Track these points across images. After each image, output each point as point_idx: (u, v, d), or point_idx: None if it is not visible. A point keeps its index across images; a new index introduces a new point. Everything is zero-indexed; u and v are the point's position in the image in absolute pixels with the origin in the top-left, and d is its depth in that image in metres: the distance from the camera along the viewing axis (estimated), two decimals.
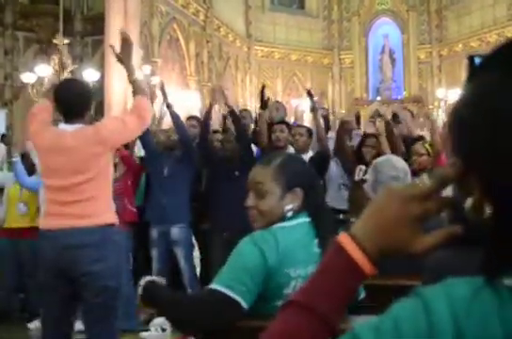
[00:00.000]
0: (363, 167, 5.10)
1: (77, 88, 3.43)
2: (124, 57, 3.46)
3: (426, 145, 5.38)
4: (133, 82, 3.52)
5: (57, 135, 3.34)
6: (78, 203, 3.21)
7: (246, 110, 8.05)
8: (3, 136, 6.82)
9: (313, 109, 6.08)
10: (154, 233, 5.62)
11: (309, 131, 5.86)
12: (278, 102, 7.89)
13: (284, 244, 1.97)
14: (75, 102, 3.36)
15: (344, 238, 0.88)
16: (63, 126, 3.37)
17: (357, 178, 5.14)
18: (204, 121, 5.90)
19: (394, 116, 6.18)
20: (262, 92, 6.19)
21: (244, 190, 2.06)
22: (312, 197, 2.10)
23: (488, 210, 0.75)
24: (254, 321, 1.93)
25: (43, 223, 3.33)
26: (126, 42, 3.45)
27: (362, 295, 2.11)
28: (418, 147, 5.32)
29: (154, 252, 5.61)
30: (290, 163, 2.12)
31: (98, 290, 3.19)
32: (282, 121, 6.14)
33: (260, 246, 1.96)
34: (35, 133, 3.40)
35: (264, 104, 6.04)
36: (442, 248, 0.84)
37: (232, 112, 5.74)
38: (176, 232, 5.54)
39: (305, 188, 2.08)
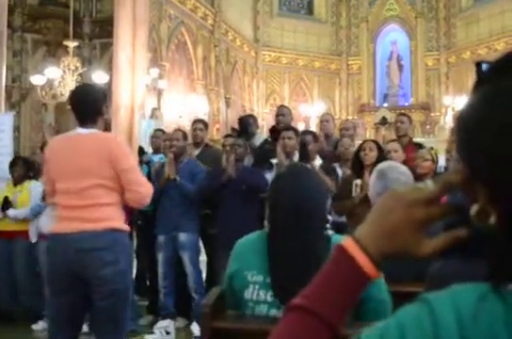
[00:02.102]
0: (359, 181, 5.01)
1: (89, 93, 3.47)
2: None
3: (432, 151, 5.37)
4: None
5: (72, 137, 3.41)
6: (88, 208, 3.22)
7: (251, 116, 8.03)
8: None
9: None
10: (161, 237, 5.61)
11: (314, 137, 5.82)
12: (283, 106, 7.85)
13: (240, 244, 2.18)
14: (87, 107, 3.40)
15: (348, 242, 0.88)
16: (79, 130, 3.41)
17: (354, 194, 5.05)
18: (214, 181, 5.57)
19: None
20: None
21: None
22: (268, 209, 2.18)
23: (493, 217, 0.75)
24: (258, 324, 1.94)
25: (55, 227, 3.35)
26: None
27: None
28: (424, 152, 5.32)
29: (160, 256, 5.60)
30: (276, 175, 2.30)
31: (107, 293, 3.20)
32: (290, 128, 6.07)
33: None
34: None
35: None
36: (446, 252, 0.84)
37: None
38: (183, 236, 5.53)
39: (268, 201, 2.20)
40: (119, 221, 3.32)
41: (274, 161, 5.69)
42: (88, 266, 3.17)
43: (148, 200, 3.46)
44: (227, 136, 6.99)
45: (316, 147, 5.75)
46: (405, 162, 5.42)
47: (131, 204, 3.53)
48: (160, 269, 5.61)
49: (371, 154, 5.09)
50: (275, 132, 6.53)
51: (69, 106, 3.54)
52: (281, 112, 6.92)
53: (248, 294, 2.04)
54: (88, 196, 3.23)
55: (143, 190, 3.36)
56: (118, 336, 3.32)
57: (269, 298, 2.01)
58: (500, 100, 0.73)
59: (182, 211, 5.53)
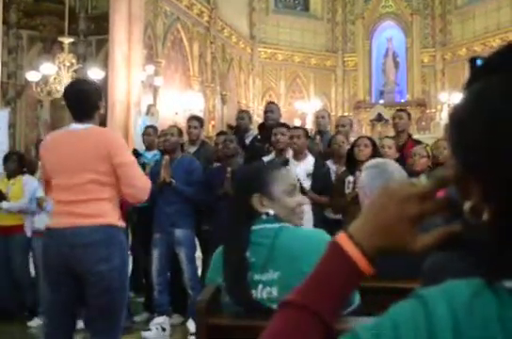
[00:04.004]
0: (351, 178, 4.97)
1: (85, 88, 3.40)
2: None
3: (428, 148, 5.36)
4: None
5: (67, 133, 3.37)
6: (83, 203, 3.18)
7: (245, 111, 8.03)
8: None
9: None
10: (157, 234, 5.60)
11: (305, 132, 5.77)
12: (271, 103, 7.89)
13: (216, 253, 2.23)
14: (83, 102, 3.35)
15: (341, 238, 0.88)
16: (74, 125, 3.36)
17: (347, 191, 5.02)
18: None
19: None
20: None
21: None
22: None
23: (486, 213, 0.75)
24: (254, 321, 1.93)
25: (51, 222, 3.32)
26: None
27: (357, 302, 2.02)
28: (419, 149, 5.30)
29: (155, 253, 5.59)
30: None
31: (101, 290, 3.15)
32: (282, 124, 6.07)
33: None
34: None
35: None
36: (440, 248, 0.84)
37: None
38: (179, 232, 5.52)
39: None
40: (113, 217, 3.26)
41: (265, 159, 5.67)
42: (83, 261, 3.14)
43: (146, 195, 3.36)
44: (219, 133, 7.01)
45: (306, 144, 5.68)
46: (403, 158, 5.42)
47: (129, 200, 3.45)
48: (154, 267, 5.59)
49: (365, 151, 5.03)
50: (264, 129, 6.57)
51: (63, 102, 3.51)
52: (270, 109, 6.99)
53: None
54: (83, 191, 3.19)
55: (141, 185, 3.29)
56: (113, 335, 3.27)
57: None
58: (491, 94, 0.73)
59: (178, 208, 5.51)
